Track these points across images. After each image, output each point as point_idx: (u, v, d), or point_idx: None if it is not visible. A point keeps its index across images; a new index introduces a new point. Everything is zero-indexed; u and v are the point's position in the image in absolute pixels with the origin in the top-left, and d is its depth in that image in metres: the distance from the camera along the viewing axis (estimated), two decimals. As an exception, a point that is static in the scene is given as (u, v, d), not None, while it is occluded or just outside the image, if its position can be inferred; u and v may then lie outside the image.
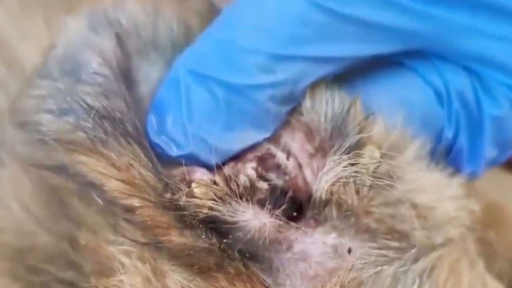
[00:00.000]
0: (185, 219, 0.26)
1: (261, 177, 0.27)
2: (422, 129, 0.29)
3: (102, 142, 0.26)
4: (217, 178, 0.27)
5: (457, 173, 0.30)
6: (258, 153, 0.28)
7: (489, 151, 0.30)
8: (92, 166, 0.26)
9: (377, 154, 0.28)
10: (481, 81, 0.29)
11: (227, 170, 0.27)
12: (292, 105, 0.27)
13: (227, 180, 0.27)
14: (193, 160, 0.27)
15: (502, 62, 0.29)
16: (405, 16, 0.27)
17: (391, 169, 0.27)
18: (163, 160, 0.27)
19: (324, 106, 0.28)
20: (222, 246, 0.26)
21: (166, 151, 0.27)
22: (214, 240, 0.26)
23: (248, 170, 0.27)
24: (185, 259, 0.26)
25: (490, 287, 0.30)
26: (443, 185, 0.29)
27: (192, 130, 0.26)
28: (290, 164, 0.28)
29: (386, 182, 0.27)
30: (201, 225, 0.26)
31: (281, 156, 0.28)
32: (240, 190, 0.26)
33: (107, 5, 0.28)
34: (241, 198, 0.26)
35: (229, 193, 0.26)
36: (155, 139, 0.27)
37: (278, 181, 0.28)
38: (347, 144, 0.27)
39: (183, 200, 0.26)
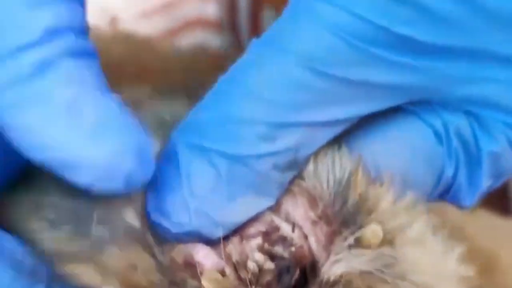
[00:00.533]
0: None
1: (268, 253, 0.27)
2: (426, 170, 0.30)
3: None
4: (226, 268, 0.26)
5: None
6: (261, 227, 0.27)
7: (486, 183, 0.31)
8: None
9: (380, 233, 0.28)
10: (478, 119, 0.30)
11: (234, 255, 0.26)
12: (296, 171, 0.27)
13: (235, 268, 0.26)
14: (195, 236, 0.26)
15: (499, 102, 0.29)
16: (405, 73, 0.27)
17: (392, 247, 0.28)
18: (160, 239, 0.26)
19: (326, 171, 0.28)
20: None
21: (167, 230, 0.26)
22: None
23: (255, 254, 0.27)
24: None
25: None
26: (441, 264, 0.29)
27: (194, 205, 0.26)
28: (295, 236, 0.27)
29: (387, 260, 0.27)
30: None
31: (285, 228, 0.27)
32: (249, 277, 0.26)
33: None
34: (250, 284, 0.26)
35: (239, 284, 0.26)
36: (155, 218, 0.26)
37: (285, 253, 0.27)
38: (351, 221, 0.27)
39: None
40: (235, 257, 0.26)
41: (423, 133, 0.30)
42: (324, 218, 0.28)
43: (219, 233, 0.26)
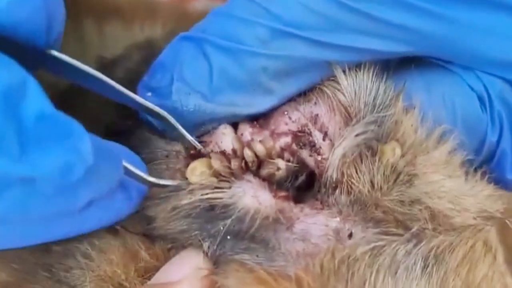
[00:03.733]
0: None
1: (293, 154, 0.27)
2: (465, 133, 0.28)
3: None
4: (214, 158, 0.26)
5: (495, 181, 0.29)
6: (294, 127, 0.27)
7: None
8: None
9: (398, 151, 0.27)
10: None
11: (247, 135, 0.27)
12: (285, 85, 0.27)
13: (236, 151, 0.27)
14: (174, 114, 0.26)
15: None
16: (420, 17, 0.26)
17: (410, 165, 0.27)
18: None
19: (368, 94, 0.27)
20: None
21: (147, 98, 0.26)
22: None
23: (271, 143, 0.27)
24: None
25: (509, 286, 0.28)
26: (466, 194, 0.27)
27: (177, 85, 0.26)
28: (324, 145, 0.27)
29: (403, 177, 0.26)
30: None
31: (317, 136, 0.27)
32: (249, 164, 0.26)
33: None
34: (247, 171, 0.26)
35: (229, 172, 0.26)
36: (141, 89, 0.27)
37: (309, 160, 0.27)
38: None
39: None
40: (259, 150, 0.27)
41: (467, 94, 0.29)
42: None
43: (195, 118, 0.26)
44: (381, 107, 0.27)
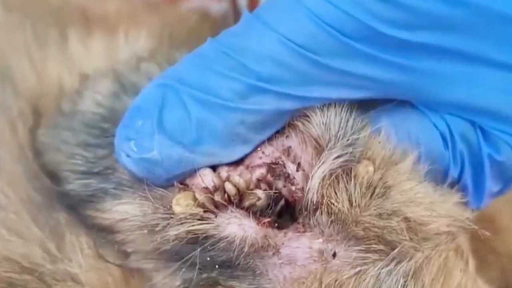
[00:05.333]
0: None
1: (268, 184, 0.28)
2: (428, 168, 0.30)
3: None
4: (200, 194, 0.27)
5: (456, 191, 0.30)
6: (268, 160, 0.28)
7: (493, 186, 0.31)
8: None
9: (371, 168, 0.28)
10: (482, 130, 0.30)
11: (224, 173, 0.28)
12: (262, 134, 0.28)
13: (217, 187, 0.27)
14: (155, 165, 0.27)
15: (498, 111, 0.29)
16: (385, 69, 0.27)
17: (384, 178, 0.28)
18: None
19: (337, 125, 0.28)
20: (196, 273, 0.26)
21: (128, 150, 0.27)
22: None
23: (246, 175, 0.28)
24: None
25: (482, 289, 0.29)
26: (437, 200, 0.29)
27: (159, 138, 0.27)
28: (298, 176, 0.28)
29: (379, 191, 0.27)
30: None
31: (291, 167, 0.28)
32: (231, 197, 0.27)
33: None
34: (230, 204, 0.27)
35: (213, 204, 0.27)
36: (120, 135, 0.27)
37: (283, 190, 0.28)
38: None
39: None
40: (238, 183, 0.27)
41: (430, 131, 0.30)
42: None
43: (179, 168, 0.27)
44: (350, 135, 0.28)
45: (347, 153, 0.27)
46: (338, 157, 0.27)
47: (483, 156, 0.29)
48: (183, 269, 0.26)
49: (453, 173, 0.30)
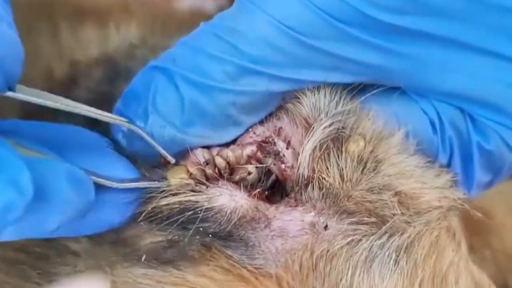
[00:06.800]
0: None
1: (258, 161, 0.28)
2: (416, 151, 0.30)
3: None
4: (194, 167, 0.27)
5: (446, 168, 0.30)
6: (259, 139, 0.28)
7: (482, 176, 0.31)
8: None
9: (361, 142, 0.28)
10: (472, 118, 0.30)
11: (215, 151, 0.28)
12: (252, 117, 0.28)
13: (207, 162, 0.28)
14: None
15: (488, 100, 0.29)
16: (377, 54, 0.27)
17: (374, 151, 0.28)
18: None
19: (326, 105, 0.28)
20: (190, 233, 0.26)
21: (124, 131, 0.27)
22: (180, 232, 0.26)
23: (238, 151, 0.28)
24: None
25: (474, 272, 0.29)
26: (429, 174, 0.29)
27: (152, 118, 0.27)
28: (288, 153, 0.28)
29: (370, 165, 0.27)
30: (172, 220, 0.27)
31: (281, 145, 0.28)
32: (221, 170, 0.27)
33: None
34: (221, 177, 0.27)
35: (207, 176, 0.27)
36: (117, 112, 0.28)
37: (273, 167, 0.28)
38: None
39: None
40: (228, 156, 0.28)
41: (420, 117, 0.30)
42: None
43: (172, 147, 0.27)
44: (341, 107, 0.28)
45: (337, 121, 0.27)
46: (328, 126, 0.27)
47: (472, 144, 0.29)
48: (175, 235, 0.27)
49: (442, 159, 0.30)
